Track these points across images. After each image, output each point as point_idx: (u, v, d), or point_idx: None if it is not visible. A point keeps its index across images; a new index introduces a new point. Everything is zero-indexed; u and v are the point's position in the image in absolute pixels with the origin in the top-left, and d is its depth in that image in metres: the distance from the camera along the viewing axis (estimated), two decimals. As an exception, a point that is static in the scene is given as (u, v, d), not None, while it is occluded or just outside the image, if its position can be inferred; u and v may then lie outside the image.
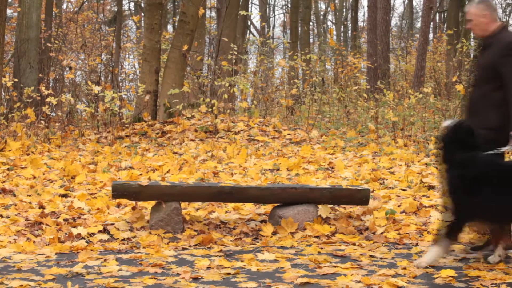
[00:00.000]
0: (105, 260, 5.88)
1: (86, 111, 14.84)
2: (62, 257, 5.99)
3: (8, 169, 9.63)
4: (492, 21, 6.18)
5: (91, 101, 15.33)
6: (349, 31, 41.32)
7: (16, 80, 14.96)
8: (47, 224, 6.94)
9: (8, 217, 7.16)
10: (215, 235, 6.90)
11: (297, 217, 7.19)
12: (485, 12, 6.17)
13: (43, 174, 9.50)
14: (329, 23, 47.35)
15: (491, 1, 6.34)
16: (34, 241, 6.50)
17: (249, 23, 34.07)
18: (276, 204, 7.40)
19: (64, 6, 31.97)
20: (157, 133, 13.20)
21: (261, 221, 7.40)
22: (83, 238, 6.72)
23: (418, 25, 37.52)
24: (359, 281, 5.19)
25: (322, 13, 46.06)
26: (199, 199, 7.30)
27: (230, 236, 6.98)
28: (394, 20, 45.18)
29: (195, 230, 7.07)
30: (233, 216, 7.59)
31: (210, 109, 13.76)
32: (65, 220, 7.14)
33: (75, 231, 6.78)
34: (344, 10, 43.13)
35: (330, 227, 7.16)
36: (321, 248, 6.48)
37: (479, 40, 7.34)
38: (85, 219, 7.21)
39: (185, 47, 14.00)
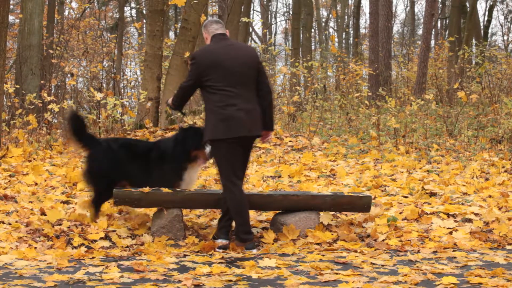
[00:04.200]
0: (106, 267, 5.88)
1: (88, 118, 14.85)
2: (63, 263, 5.98)
3: (10, 176, 9.64)
4: (208, 37, 7.06)
5: (93, 108, 15.35)
6: (351, 38, 41.40)
7: (18, 86, 14.98)
8: (48, 231, 6.93)
9: (10, 223, 7.17)
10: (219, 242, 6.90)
11: (299, 224, 7.19)
12: (203, 31, 7.10)
13: (45, 180, 9.51)
14: (330, 30, 47.41)
15: (209, 20, 7.22)
16: (35, 248, 6.51)
17: (250, 30, 34.15)
18: (277, 211, 7.40)
19: (66, 12, 32.06)
20: (159, 140, 13.19)
21: (263, 228, 7.40)
22: (84, 244, 6.73)
23: (420, 31, 37.57)
24: (361, 288, 5.19)
25: (324, 20, 46.12)
26: (200, 206, 7.30)
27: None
28: (396, 27, 45.28)
29: (196, 237, 7.08)
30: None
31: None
32: (67, 227, 7.14)
33: (76, 238, 6.78)
34: (346, 17, 43.15)
35: (332, 234, 7.16)
36: (323, 255, 6.48)
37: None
38: (87, 225, 7.21)
39: (187, 54, 14.01)
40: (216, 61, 6.76)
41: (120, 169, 7.30)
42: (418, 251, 6.72)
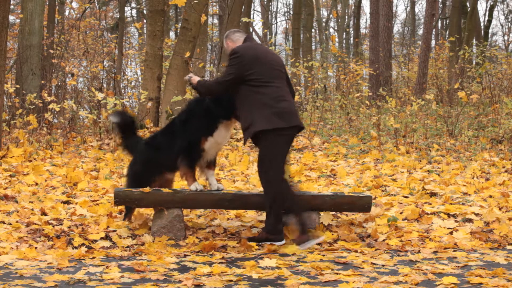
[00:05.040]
0: (107, 267, 5.88)
1: (88, 118, 14.84)
2: (64, 263, 5.98)
3: (10, 176, 9.64)
4: (234, 43, 7.12)
5: (93, 108, 15.35)
6: (351, 38, 41.41)
7: (18, 86, 14.98)
8: (49, 231, 6.94)
9: (10, 223, 7.17)
10: (219, 242, 6.89)
11: (299, 224, 7.19)
12: (227, 41, 7.17)
13: (45, 180, 9.51)
14: (331, 30, 47.39)
15: (234, 29, 7.30)
16: (36, 248, 6.51)
17: (251, 30, 34.15)
18: (278, 211, 7.38)
19: (67, 12, 32.04)
20: (159, 140, 13.18)
21: (263, 228, 7.39)
22: (84, 244, 6.73)
23: (420, 32, 37.55)
24: (361, 288, 5.19)
25: (324, 20, 46.10)
26: (201, 206, 7.29)
27: (233, 241, 6.97)
28: (396, 27, 45.28)
29: (197, 237, 7.08)
30: (235, 223, 7.59)
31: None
32: (68, 227, 7.14)
33: (77, 238, 6.78)
34: (346, 17, 43.16)
35: (332, 234, 7.16)
36: (323, 255, 6.48)
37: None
38: (87, 225, 7.21)
39: (188, 54, 14.01)
40: (259, 55, 6.86)
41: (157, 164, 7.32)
42: (419, 251, 6.72)
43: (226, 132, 7.14)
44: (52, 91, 16.48)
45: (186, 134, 7.04)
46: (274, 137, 6.72)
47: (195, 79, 7.11)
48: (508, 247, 6.97)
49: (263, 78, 6.78)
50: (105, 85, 19.59)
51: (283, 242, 6.96)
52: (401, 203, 8.41)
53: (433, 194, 8.97)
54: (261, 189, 8.58)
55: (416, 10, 45.35)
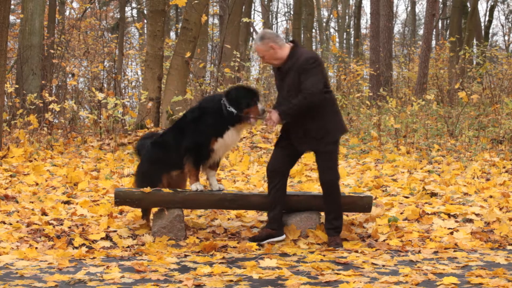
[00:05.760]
0: (107, 267, 5.88)
1: (89, 118, 14.85)
2: (64, 263, 5.98)
3: (10, 176, 9.64)
4: (280, 48, 6.75)
5: (94, 108, 15.35)
6: (352, 38, 41.38)
7: (17, 86, 14.98)
8: (49, 231, 6.94)
9: (11, 224, 7.17)
10: (219, 242, 6.89)
11: (300, 224, 7.19)
12: (270, 44, 6.71)
13: (46, 181, 9.51)
14: (331, 30, 47.40)
15: (270, 31, 6.90)
16: (36, 248, 6.51)
17: (251, 30, 34.16)
18: (278, 211, 7.38)
19: (67, 12, 32.07)
20: (160, 140, 13.16)
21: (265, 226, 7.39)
22: (85, 245, 6.73)
23: (421, 32, 37.56)
24: (362, 289, 5.19)
25: (324, 20, 46.10)
26: (201, 206, 7.30)
27: (234, 241, 6.97)
28: (397, 27, 45.25)
29: (198, 237, 7.08)
30: (235, 223, 7.59)
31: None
32: (68, 227, 7.15)
33: (77, 238, 6.79)
34: (347, 17, 43.17)
35: (333, 234, 7.15)
36: (324, 255, 6.47)
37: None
38: (87, 226, 7.22)
39: (188, 54, 14.01)
40: None
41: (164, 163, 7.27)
42: (419, 252, 6.72)
43: (236, 134, 7.11)
44: (53, 91, 16.49)
45: (197, 132, 7.02)
46: (338, 141, 7.01)
47: (275, 115, 6.71)
48: (509, 247, 6.97)
49: (328, 84, 6.88)
50: (105, 85, 19.60)
51: (284, 236, 6.98)
52: (401, 203, 8.41)
53: (433, 194, 8.97)
54: (261, 189, 8.60)
55: (417, 10, 45.40)
